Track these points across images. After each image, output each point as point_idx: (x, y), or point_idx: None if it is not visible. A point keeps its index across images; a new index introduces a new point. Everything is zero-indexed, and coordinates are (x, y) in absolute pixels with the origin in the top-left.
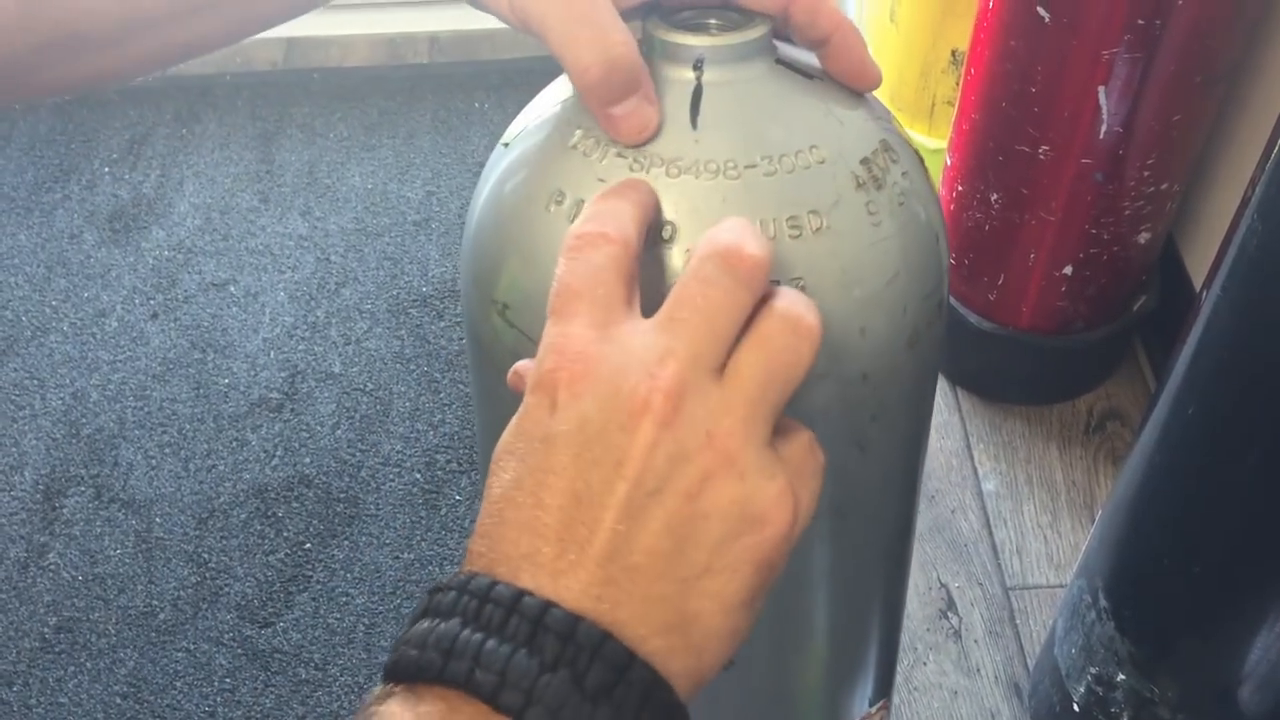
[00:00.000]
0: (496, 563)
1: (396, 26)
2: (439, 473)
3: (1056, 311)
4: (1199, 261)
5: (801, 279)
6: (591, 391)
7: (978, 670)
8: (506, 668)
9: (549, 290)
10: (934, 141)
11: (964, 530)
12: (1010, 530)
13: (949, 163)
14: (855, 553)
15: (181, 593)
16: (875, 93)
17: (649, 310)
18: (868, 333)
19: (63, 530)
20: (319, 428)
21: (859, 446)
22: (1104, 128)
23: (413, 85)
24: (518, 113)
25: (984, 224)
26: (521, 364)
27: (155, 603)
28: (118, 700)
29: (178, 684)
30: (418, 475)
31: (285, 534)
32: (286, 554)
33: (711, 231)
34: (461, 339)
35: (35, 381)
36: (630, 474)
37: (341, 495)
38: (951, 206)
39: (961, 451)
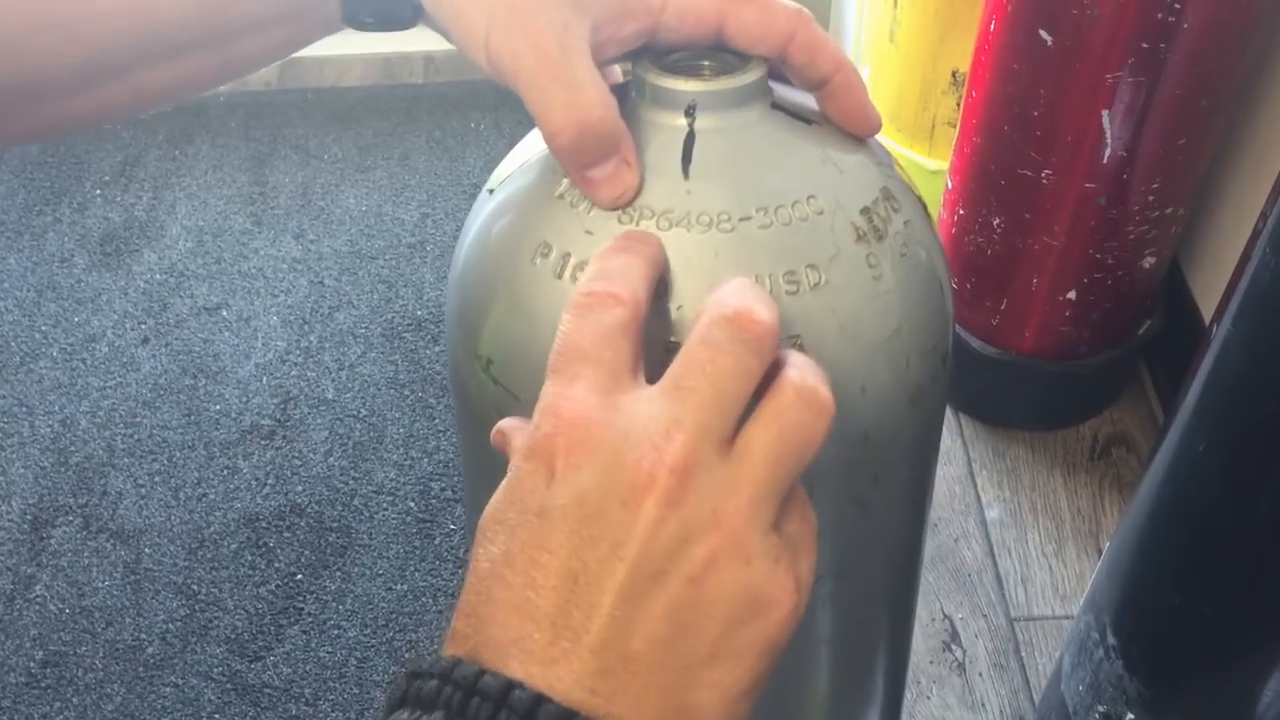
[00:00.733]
0: (483, 646)
1: (391, 46)
2: (433, 501)
3: (1060, 337)
4: (1205, 286)
5: (799, 336)
6: (592, 462)
7: (982, 705)
8: None
9: (534, 346)
10: (934, 163)
11: (967, 560)
12: (1014, 560)
13: (950, 186)
14: (857, 612)
15: (170, 625)
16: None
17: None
18: (868, 391)
19: (50, 561)
20: (311, 455)
21: (859, 506)
22: (1108, 152)
23: (408, 106)
24: (514, 134)
25: (986, 248)
26: (506, 423)
27: (144, 636)
28: None
29: None
30: (411, 504)
31: (276, 565)
32: (277, 585)
33: (718, 294)
34: None
35: (24, 408)
36: (631, 555)
37: (334, 524)
38: (953, 230)
39: (964, 478)
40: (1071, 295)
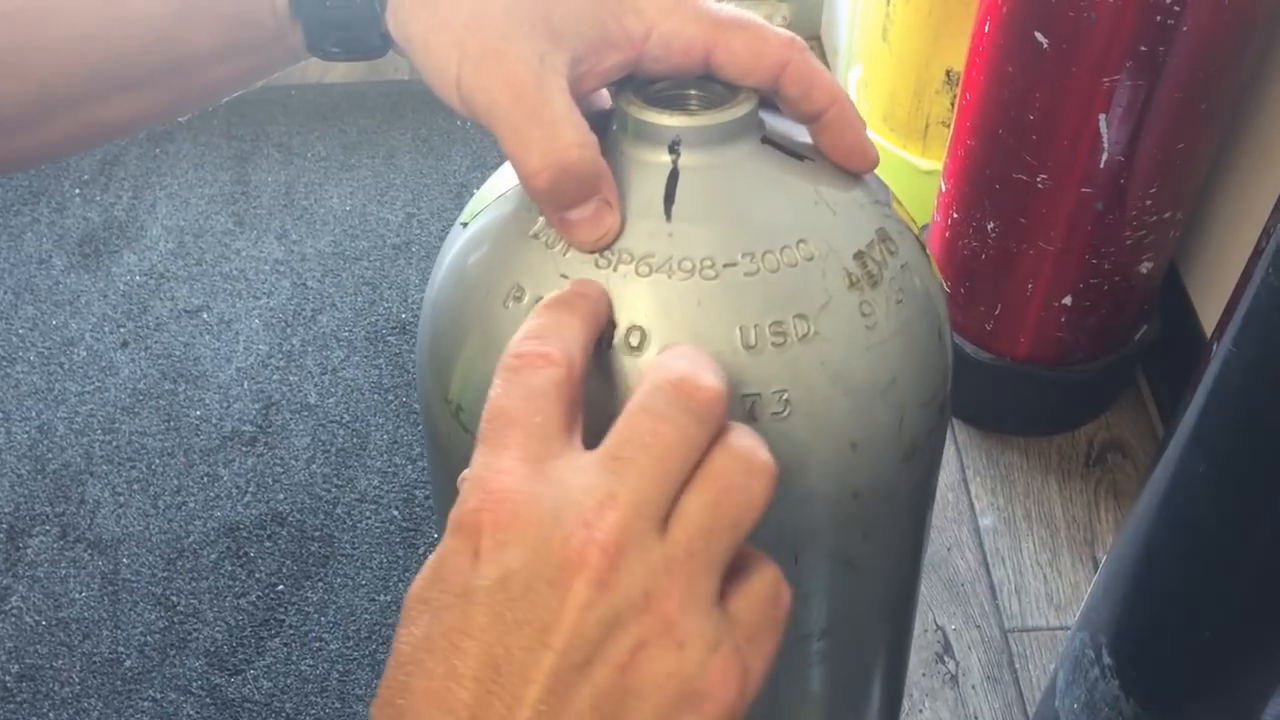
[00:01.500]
0: None
1: None
2: (418, 509)
3: (1055, 342)
4: (1203, 290)
5: (785, 391)
6: (519, 540)
7: (975, 718)
8: None
9: None
10: (928, 163)
11: (961, 569)
12: (1008, 569)
13: (944, 189)
14: (848, 667)
15: (149, 638)
16: (869, 113)
17: (595, 434)
18: (860, 448)
19: (26, 572)
20: (293, 462)
21: (849, 565)
22: (1104, 156)
23: (393, 103)
24: (500, 146)
25: (980, 253)
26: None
27: (121, 649)
28: None
29: None
30: (395, 512)
31: (257, 575)
32: (258, 596)
33: (661, 358)
34: None
35: (0, 414)
36: (558, 643)
37: (316, 534)
38: (947, 234)
39: (958, 485)
40: (1067, 301)
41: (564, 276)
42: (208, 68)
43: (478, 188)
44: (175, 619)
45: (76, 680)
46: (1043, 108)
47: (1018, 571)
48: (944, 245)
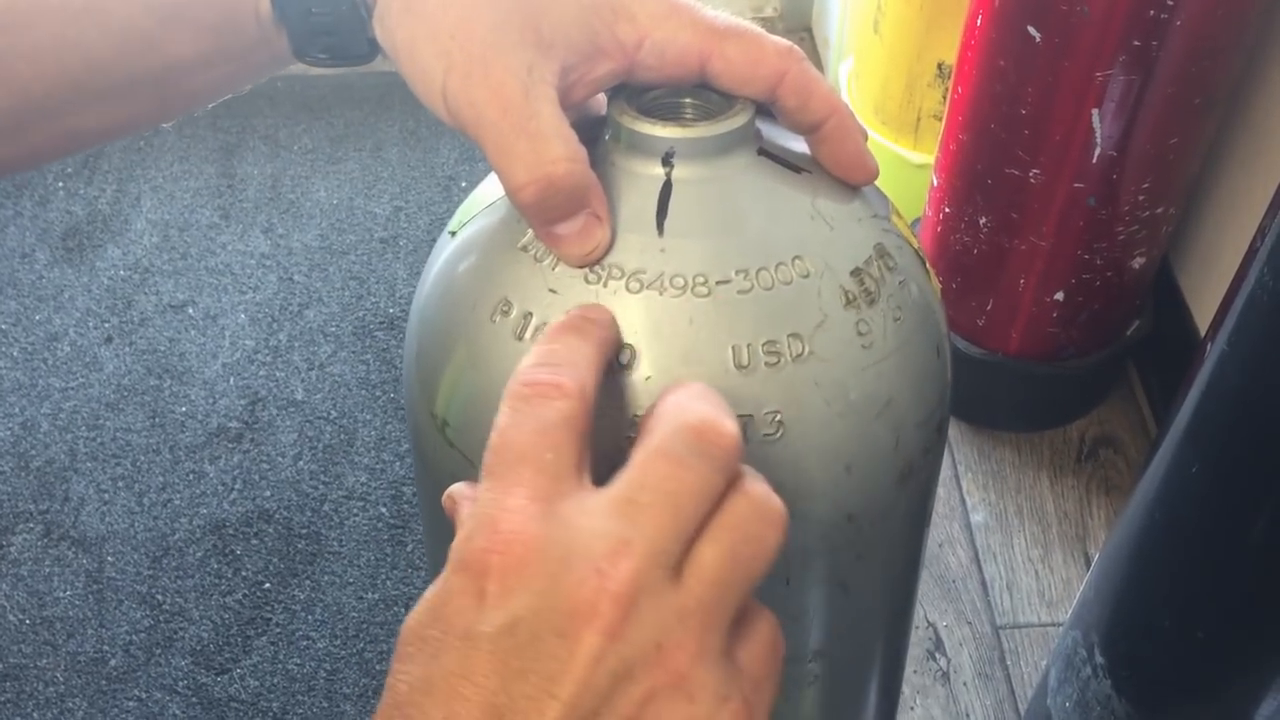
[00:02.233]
0: None
1: None
2: (406, 506)
3: (1047, 338)
4: (1195, 285)
5: (778, 412)
6: (527, 586)
7: (967, 715)
8: None
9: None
10: (919, 156)
11: (952, 565)
12: (1000, 565)
13: (935, 183)
14: (839, 689)
15: (134, 637)
16: (860, 106)
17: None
18: (854, 470)
19: (9, 570)
20: (280, 459)
21: (843, 587)
22: (1097, 151)
23: (381, 95)
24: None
25: (972, 248)
26: (457, 489)
27: (106, 648)
28: None
29: None
30: (383, 509)
31: (243, 573)
32: (244, 594)
33: (676, 398)
34: None
35: None
36: (565, 693)
37: (303, 531)
38: (938, 229)
39: (949, 481)
40: (1059, 296)
41: (552, 291)
42: (190, 75)
43: (467, 181)
44: (161, 618)
45: (61, 680)
46: (1035, 102)
47: (1009, 568)
48: (935, 240)
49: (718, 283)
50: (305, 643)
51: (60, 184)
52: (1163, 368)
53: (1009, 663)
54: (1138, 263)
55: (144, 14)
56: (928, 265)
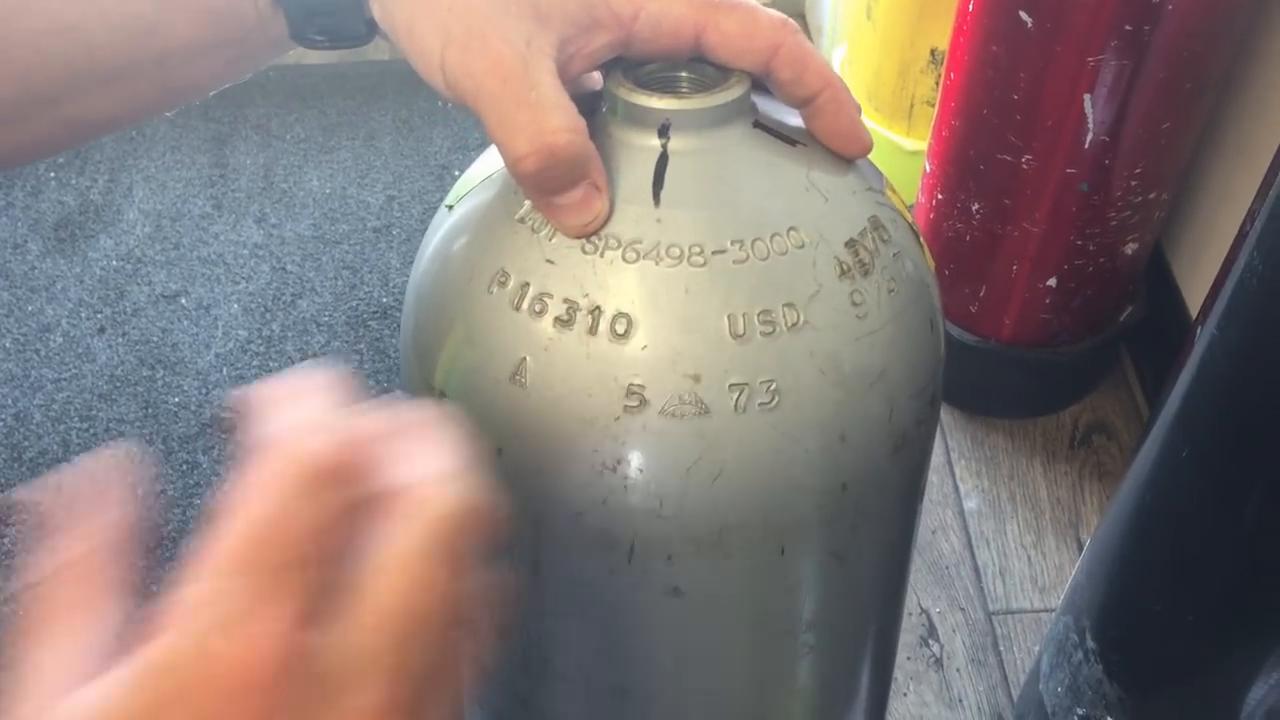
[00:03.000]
0: None
1: None
2: None
3: (1040, 324)
4: (1188, 271)
5: (773, 381)
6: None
7: (960, 701)
8: None
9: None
10: (912, 143)
11: (945, 552)
12: (993, 552)
13: (928, 169)
14: (834, 660)
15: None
16: (853, 92)
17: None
18: (848, 439)
19: (4, 562)
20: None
21: (836, 557)
22: (1089, 137)
23: (373, 84)
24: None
25: (965, 234)
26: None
27: None
28: None
29: None
30: None
31: None
32: None
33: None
34: None
35: None
36: None
37: None
38: (931, 215)
39: (942, 468)
40: (1052, 282)
41: (549, 261)
42: (189, 61)
43: (459, 170)
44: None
45: None
46: (1027, 88)
47: (1002, 554)
48: (928, 227)
49: (713, 252)
50: None
51: (52, 174)
52: (1156, 354)
53: (1002, 648)
54: (1130, 248)
55: None
56: (921, 240)
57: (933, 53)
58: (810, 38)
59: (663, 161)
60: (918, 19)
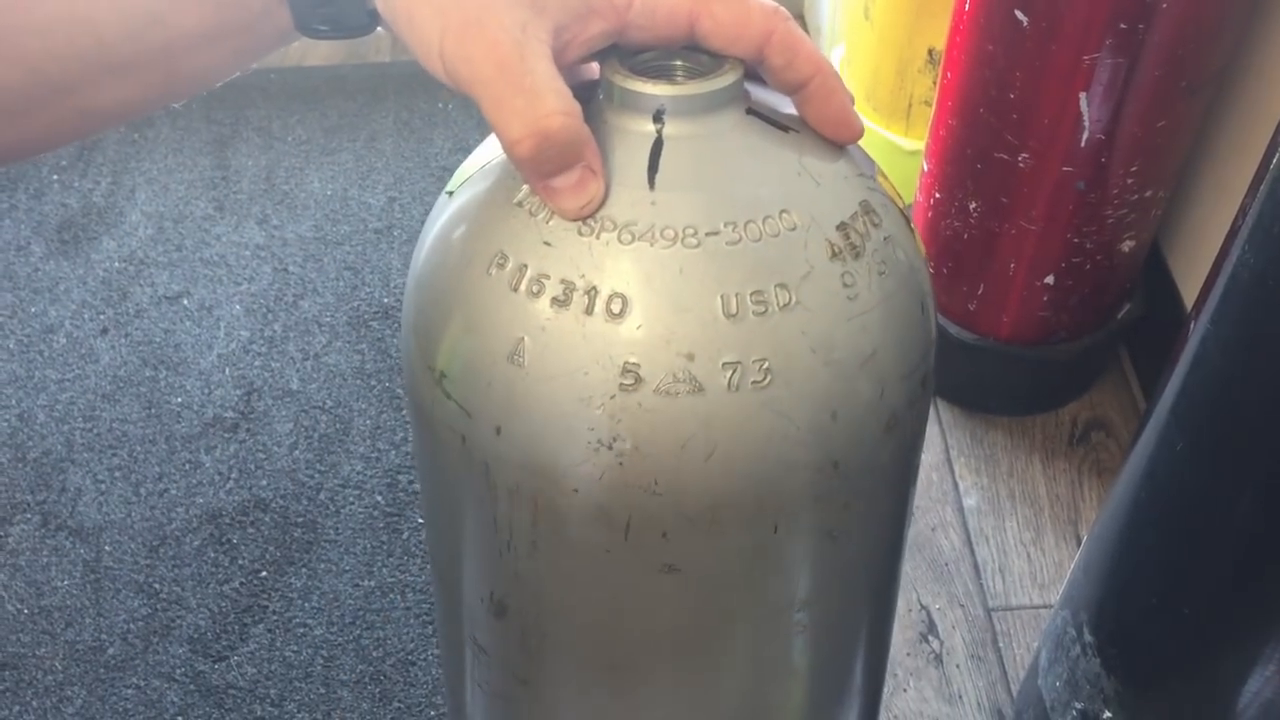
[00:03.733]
0: None
1: None
2: (401, 494)
3: (1038, 321)
4: (1185, 268)
5: (766, 360)
6: None
7: (960, 697)
8: None
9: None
10: (910, 143)
11: (944, 549)
12: (992, 548)
13: (926, 168)
14: (827, 641)
15: (131, 625)
16: (851, 93)
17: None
18: (840, 417)
19: (8, 560)
20: (276, 448)
21: (830, 536)
22: (1085, 135)
23: (374, 86)
24: (484, 117)
25: (963, 232)
26: None
27: (104, 637)
28: None
29: None
30: (379, 497)
31: (240, 562)
32: (241, 583)
33: None
34: None
35: None
36: None
37: (299, 519)
38: (929, 214)
39: (942, 465)
40: (1050, 280)
41: (547, 244)
42: (196, 51)
43: None
44: (158, 606)
45: (59, 669)
46: (1023, 86)
47: (1001, 551)
48: (926, 225)
49: (707, 234)
50: (302, 630)
51: (55, 177)
52: (1154, 351)
53: (1001, 645)
54: (1127, 246)
55: None
56: (913, 225)
57: (930, 53)
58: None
59: (657, 146)
60: (915, 19)
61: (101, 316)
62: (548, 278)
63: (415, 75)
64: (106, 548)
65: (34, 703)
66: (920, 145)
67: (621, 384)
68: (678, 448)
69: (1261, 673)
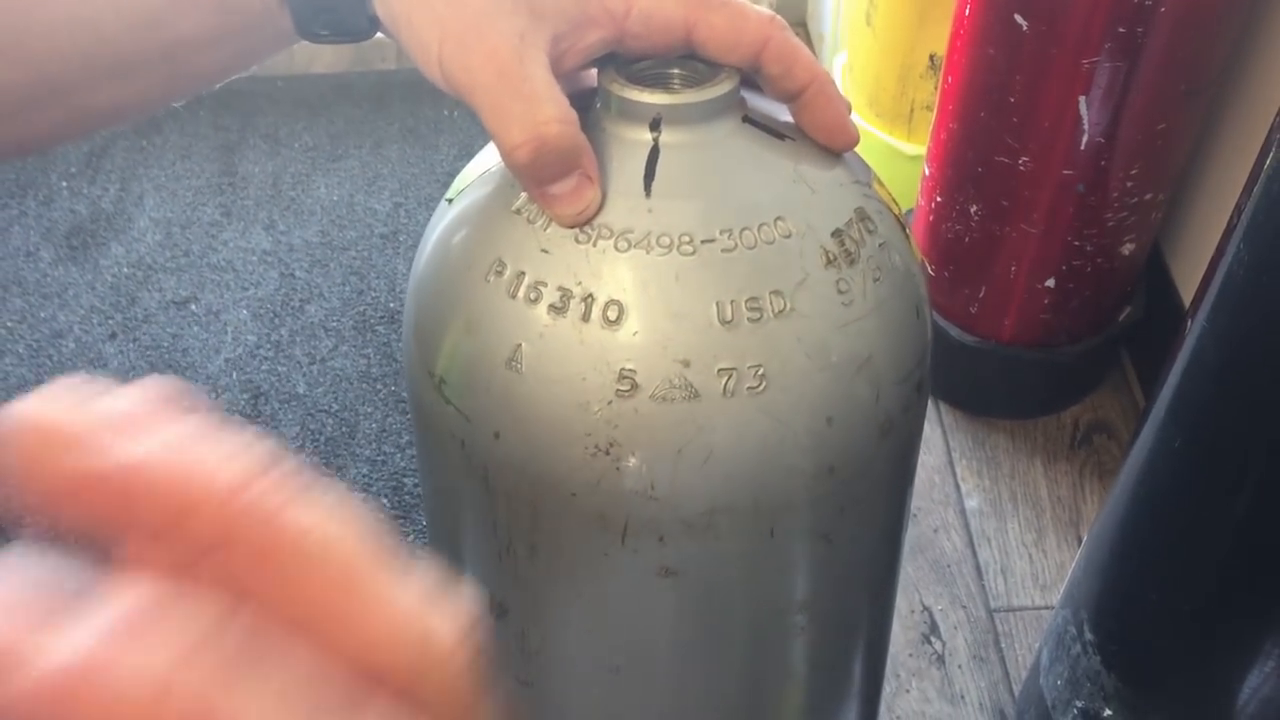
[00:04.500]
0: None
1: None
2: (407, 497)
3: (1039, 324)
4: (1186, 271)
5: (761, 366)
6: None
7: (962, 697)
8: None
9: (486, 368)
10: (912, 148)
11: (947, 550)
12: (994, 550)
13: (927, 172)
14: (826, 644)
15: None
16: (854, 99)
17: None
18: (835, 422)
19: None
20: (282, 452)
21: (826, 539)
22: (1085, 138)
23: (380, 92)
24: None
25: (964, 236)
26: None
27: None
28: None
29: None
30: (384, 500)
31: None
32: None
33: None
34: None
35: None
36: None
37: None
38: (930, 218)
39: (944, 468)
40: (1050, 283)
41: (544, 251)
42: (197, 53)
43: None
44: None
45: None
46: (1023, 90)
47: (1003, 552)
48: (928, 229)
49: (703, 241)
50: None
51: (64, 183)
52: (1155, 353)
53: (1003, 645)
54: (1128, 249)
55: None
56: (908, 231)
57: (932, 58)
58: (811, 46)
59: (654, 154)
60: (917, 25)
61: (110, 321)
62: (545, 284)
63: (421, 82)
64: None
65: None
66: (922, 150)
67: (618, 390)
68: (674, 453)
69: (1260, 668)
